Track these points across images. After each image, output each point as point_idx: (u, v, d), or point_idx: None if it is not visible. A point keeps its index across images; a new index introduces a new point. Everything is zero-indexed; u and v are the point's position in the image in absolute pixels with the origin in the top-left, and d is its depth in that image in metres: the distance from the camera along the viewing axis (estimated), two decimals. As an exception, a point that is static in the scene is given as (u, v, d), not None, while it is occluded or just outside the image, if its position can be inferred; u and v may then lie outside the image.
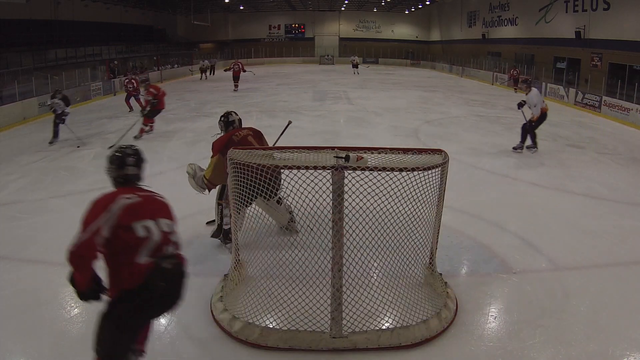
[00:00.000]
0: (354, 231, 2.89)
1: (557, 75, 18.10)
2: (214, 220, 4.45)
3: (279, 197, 3.90)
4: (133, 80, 12.49)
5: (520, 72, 18.71)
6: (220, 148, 3.98)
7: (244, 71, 17.66)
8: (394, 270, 3.16)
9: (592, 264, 4.01)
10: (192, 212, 5.01)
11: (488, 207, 5.29)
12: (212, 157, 4.07)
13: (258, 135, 4.27)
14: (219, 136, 4.25)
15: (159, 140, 8.85)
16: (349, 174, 2.73)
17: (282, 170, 3.07)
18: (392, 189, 2.88)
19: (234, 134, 4.10)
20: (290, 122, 5.01)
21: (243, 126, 4.38)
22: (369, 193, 2.86)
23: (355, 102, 14.59)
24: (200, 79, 23.49)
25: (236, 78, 17.77)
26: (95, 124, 10.95)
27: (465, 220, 4.87)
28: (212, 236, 4.28)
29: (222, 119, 4.34)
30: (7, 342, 2.92)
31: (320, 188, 2.80)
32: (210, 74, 24.53)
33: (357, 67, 26.93)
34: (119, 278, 2.06)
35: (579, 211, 5.33)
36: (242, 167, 3.03)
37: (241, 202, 3.22)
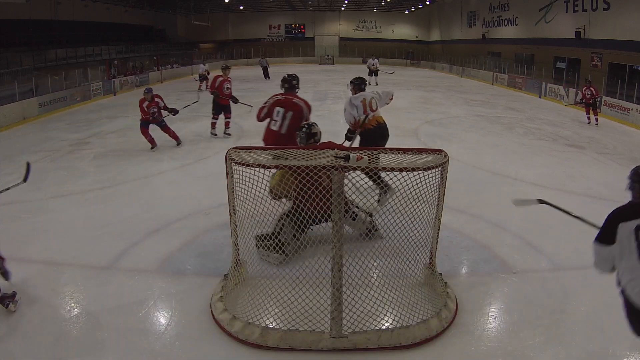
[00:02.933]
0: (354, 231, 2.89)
1: (557, 75, 18.10)
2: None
3: (353, 213, 3.74)
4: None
5: (598, 91, 11.81)
6: None
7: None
8: (394, 270, 3.16)
9: (592, 264, 3.99)
10: (192, 212, 5.02)
11: (488, 207, 5.29)
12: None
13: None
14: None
15: (158, 140, 8.83)
16: (349, 174, 2.73)
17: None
18: (392, 189, 2.88)
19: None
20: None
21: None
22: (369, 193, 2.86)
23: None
24: (199, 88, 16.74)
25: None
26: (95, 124, 10.94)
27: (465, 220, 4.87)
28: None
29: (305, 129, 4.07)
30: (7, 342, 2.92)
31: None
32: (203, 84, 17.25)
33: (376, 75, 19.19)
34: None
35: (579, 211, 5.31)
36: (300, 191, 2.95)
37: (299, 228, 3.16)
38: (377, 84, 18.62)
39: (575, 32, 18.44)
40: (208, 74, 17.53)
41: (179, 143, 8.28)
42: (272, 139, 4.78)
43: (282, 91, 4.99)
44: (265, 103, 4.92)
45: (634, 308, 2.25)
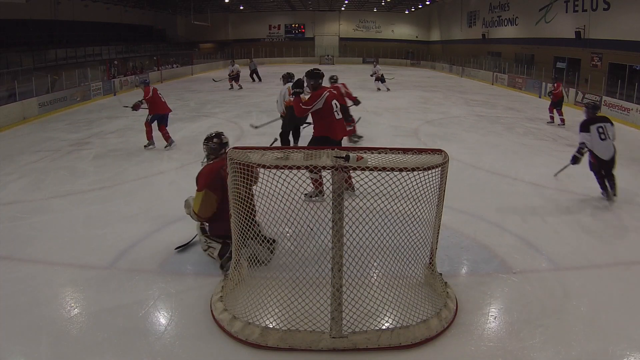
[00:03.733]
0: (354, 231, 2.89)
1: (557, 75, 18.09)
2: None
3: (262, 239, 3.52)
4: None
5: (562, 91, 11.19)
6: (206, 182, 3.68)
7: None
8: (394, 270, 3.16)
9: (592, 264, 4.00)
10: (192, 212, 5.02)
11: (488, 207, 5.29)
12: (197, 190, 3.73)
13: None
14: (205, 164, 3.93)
15: (158, 140, 8.83)
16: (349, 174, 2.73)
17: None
18: (392, 189, 2.88)
19: (222, 166, 3.64)
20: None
21: None
22: (368, 193, 2.86)
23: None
24: (230, 88, 18.06)
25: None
26: (95, 124, 10.95)
27: (465, 220, 4.87)
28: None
29: (215, 140, 3.90)
30: (7, 342, 2.92)
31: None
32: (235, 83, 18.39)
33: (384, 81, 17.58)
34: None
35: (579, 211, 5.33)
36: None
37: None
38: (388, 89, 17.51)
39: (575, 32, 18.45)
40: (238, 73, 18.69)
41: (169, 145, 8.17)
42: (341, 127, 5.40)
43: (327, 85, 5.65)
44: (311, 98, 5.22)
45: (598, 158, 5.48)
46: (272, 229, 3.88)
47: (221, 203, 3.64)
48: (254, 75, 21.51)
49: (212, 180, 3.66)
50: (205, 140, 3.95)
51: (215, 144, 3.89)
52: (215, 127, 10.28)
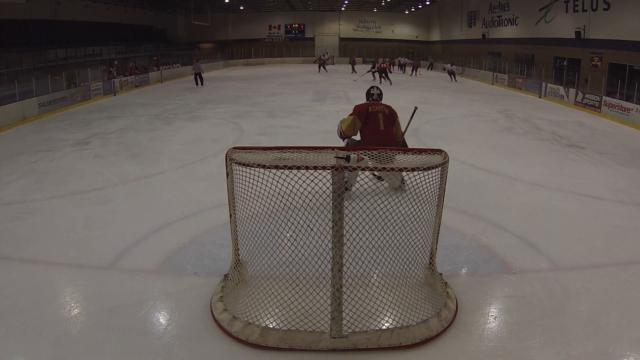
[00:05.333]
0: (354, 231, 2.89)
1: (557, 75, 18.11)
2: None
3: None
4: None
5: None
6: (356, 112, 5.13)
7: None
8: (394, 270, 3.16)
9: (592, 264, 4.00)
10: (192, 212, 5.03)
11: (488, 207, 5.29)
12: (350, 115, 5.14)
13: (391, 113, 5.26)
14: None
15: (159, 140, 8.85)
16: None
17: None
18: (392, 189, 2.87)
19: (370, 105, 5.20)
20: (416, 108, 5.96)
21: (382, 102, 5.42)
22: (369, 193, 2.86)
23: (355, 102, 14.50)
24: (319, 71, 27.30)
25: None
26: (95, 124, 10.95)
27: (465, 220, 4.87)
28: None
29: (367, 91, 5.47)
30: (7, 342, 2.92)
31: (320, 188, 2.80)
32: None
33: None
34: None
35: (579, 211, 5.33)
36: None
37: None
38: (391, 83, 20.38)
39: (575, 32, 18.44)
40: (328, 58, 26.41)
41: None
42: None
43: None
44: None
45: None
46: (271, 230, 3.88)
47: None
48: (198, 78, 19.80)
49: (360, 112, 5.10)
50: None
51: (367, 94, 5.49)
52: (216, 127, 10.30)
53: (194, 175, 6.55)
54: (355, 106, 5.23)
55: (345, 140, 5.48)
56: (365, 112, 5.09)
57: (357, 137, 5.43)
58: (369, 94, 5.46)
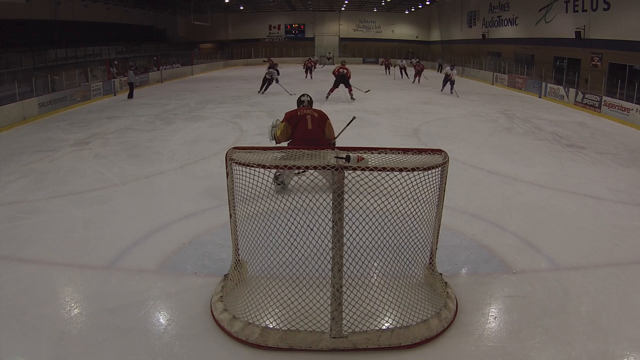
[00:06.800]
0: (354, 231, 2.89)
1: (557, 75, 18.10)
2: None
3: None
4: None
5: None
6: (287, 118, 5.34)
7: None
8: (394, 270, 3.16)
9: (592, 264, 4.00)
10: (192, 212, 5.03)
11: (488, 207, 5.29)
12: (281, 121, 5.35)
13: (321, 116, 5.38)
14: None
15: (159, 140, 8.84)
16: (349, 174, 2.73)
17: None
18: (392, 189, 2.88)
19: (299, 110, 5.43)
20: (354, 117, 6.25)
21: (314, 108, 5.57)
22: (369, 193, 2.86)
23: (355, 102, 14.59)
24: (305, 77, 23.04)
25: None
26: (95, 124, 10.95)
27: (465, 220, 4.87)
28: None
29: (298, 98, 5.71)
30: (7, 342, 2.92)
31: (321, 188, 2.80)
32: None
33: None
34: None
35: (579, 211, 5.33)
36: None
37: None
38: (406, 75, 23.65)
39: (575, 32, 18.44)
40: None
41: None
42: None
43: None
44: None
45: None
46: (272, 229, 3.89)
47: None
48: (131, 87, 16.13)
49: (289, 117, 5.32)
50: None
51: (297, 101, 5.70)
52: (216, 127, 10.30)
53: (194, 175, 6.55)
54: (286, 113, 5.45)
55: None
56: (295, 117, 5.32)
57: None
58: (299, 101, 5.68)
